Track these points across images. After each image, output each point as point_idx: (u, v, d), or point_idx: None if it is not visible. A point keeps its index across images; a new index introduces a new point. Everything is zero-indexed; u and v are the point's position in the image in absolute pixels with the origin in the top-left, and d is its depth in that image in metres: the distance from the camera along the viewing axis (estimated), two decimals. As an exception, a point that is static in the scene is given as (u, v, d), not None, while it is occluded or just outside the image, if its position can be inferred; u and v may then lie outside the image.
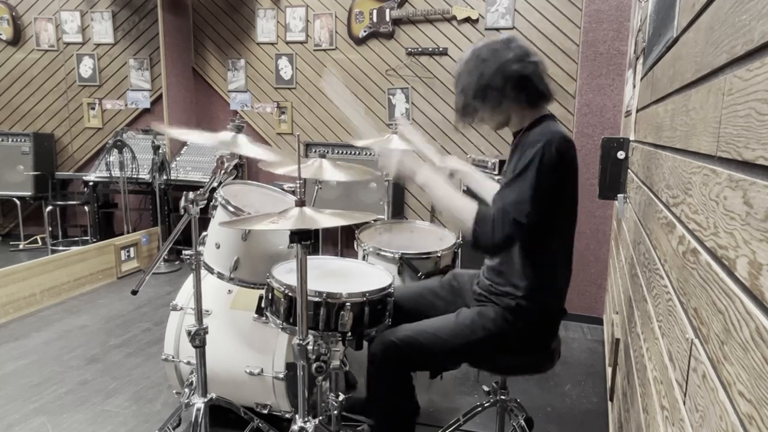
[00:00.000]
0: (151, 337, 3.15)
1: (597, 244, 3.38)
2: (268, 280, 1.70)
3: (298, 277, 1.43)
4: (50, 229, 4.97)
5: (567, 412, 2.44)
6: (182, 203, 1.70)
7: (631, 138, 2.16)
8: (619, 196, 2.13)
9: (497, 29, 4.29)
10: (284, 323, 1.65)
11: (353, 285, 1.68)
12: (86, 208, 4.92)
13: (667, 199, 1.17)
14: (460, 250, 2.28)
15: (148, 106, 5.26)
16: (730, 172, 0.67)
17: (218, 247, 1.95)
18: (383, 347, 1.59)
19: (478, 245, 1.47)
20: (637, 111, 2.14)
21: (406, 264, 2.10)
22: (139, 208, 5.19)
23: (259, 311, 1.90)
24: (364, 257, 2.17)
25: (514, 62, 1.53)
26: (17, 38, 5.41)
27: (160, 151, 4.44)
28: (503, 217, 1.43)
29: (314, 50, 4.84)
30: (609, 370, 2.37)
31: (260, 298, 1.84)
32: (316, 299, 1.58)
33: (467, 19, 4.36)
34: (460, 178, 2.00)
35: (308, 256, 1.48)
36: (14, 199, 5.08)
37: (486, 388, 1.97)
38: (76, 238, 5.20)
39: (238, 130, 1.73)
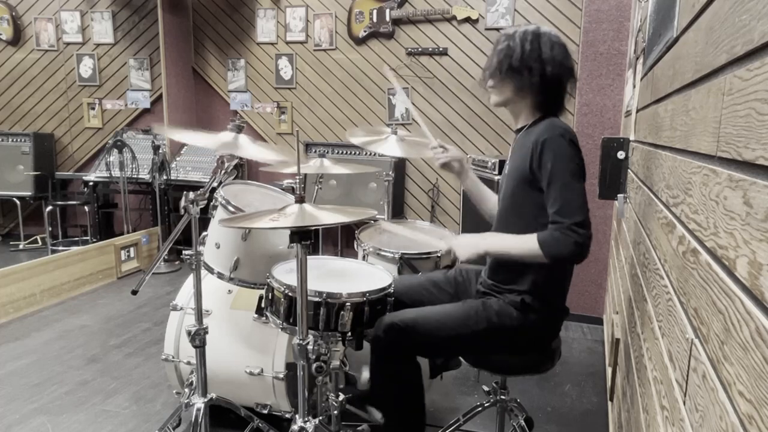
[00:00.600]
0: (151, 337, 3.15)
1: (597, 244, 3.38)
2: (268, 280, 1.70)
3: (298, 277, 1.43)
4: (50, 229, 4.96)
5: (567, 412, 2.44)
6: (182, 203, 1.70)
7: (631, 138, 2.16)
8: (619, 196, 2.13)
9: (497, 29, 4.29)
10: (284, 323, 1.65)
11: (353, 285, 1.68)
12: (86, 208, 4.92)
13: (667, 199, 1.17)
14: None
15: (148, 106, 5.26)
16: (730, 172, 0.67)
17: (218, 247, 1.95)
18: (386, 328, 1.58)
19: (566, 261, 1.49)
20: (637, 111, 2.14)
21: (406, 264, 2.10)
22: (139, 208, 5.19)
23: (259, 311, 1.90)
24: (364, 257, 2.17)
25: (569, 65, 1.59)
26: (17, 38, 5.41)
27: (160, 151, 4.44)
28: (561, 229, 1.44)
29: (314, 50, 4.84)
30: (609, 370, 2.37)
31: (260, 298, 1.84)
32: (316, 299, 1.58)
33: (467, 19, 4.36)
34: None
35: (308, 256, 1.48)
36: (14, 199, 5.08)
37: (486, 388, 1.97)
38: (76, 238, 5.20)
39: (238, 130, 1.73)
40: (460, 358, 1.92)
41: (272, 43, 4.94)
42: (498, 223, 1.72)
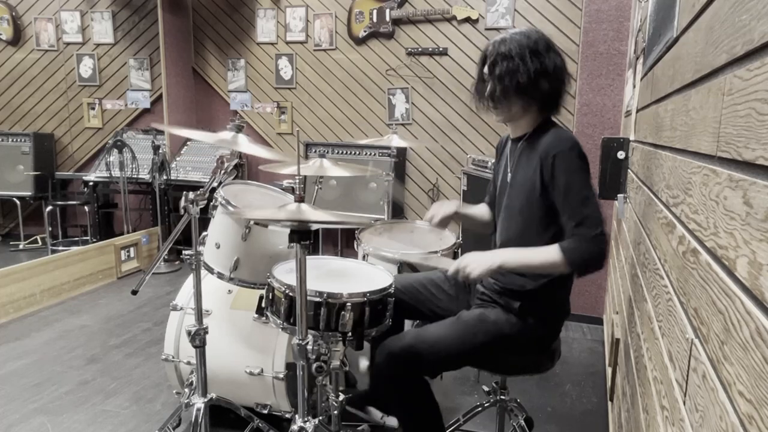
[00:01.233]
0: (151, 337, 3.15)
1: (597, 244, 3.38)
2: (269, 280, 1.70)
3: (298, 277, 1.43)
4: (50, 229, 4.96)
5: (567, 412, 2.44)
6: (182, 203, 1.70)
7: (631, 138, 2.16)
8: (619, 196, 2.13)
9: (497, 29, 4.29)
10: (284, 323, 1.65)
11: (354, 285, 1.68)
12: (86, 208, 4.92)
13: (667, 199, 1.17)
14: (460, 250, 2.28)
15: (148, 106, 5.26)
16: (730, 172, 0.67)
17: (218, 247, 1.95)
18: (387, 360, 1.58)
19: (589, 270, 1.49)
20: (637, 111, 2.14)
21: (406, 264, 2.10)
22: (139, 208, 5.19)
23: (260, 311, 1.90)
24: (364, 257, 2.17)
25: (562, 68, 1.57)
26: (17, 38, 5.41)
27: (160, 151, 4.44)
28: (585, 240, 1.44)
29: (314, 50, 4.83)
30: (609, 370, 2.37)
31: (260, 298, 1.84)
32: (317, 299, 1.58)
33: (467, 19, 4.36)
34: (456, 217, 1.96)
35: (309, 256, 1.48)
36: (14, 199, 5.07)
37: (486, 388, 1.97)
38: (76, 238, 5.20)
39: (238, 130, 1.73)
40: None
41: (272, 43, 4.94)
42: (505, 233, 1.68)
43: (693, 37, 1.01)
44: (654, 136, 1.53)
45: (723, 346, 0.64)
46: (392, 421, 2.05)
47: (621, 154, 2.11)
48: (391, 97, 4.68)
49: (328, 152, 4.45)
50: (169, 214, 4.73)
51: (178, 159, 4.90)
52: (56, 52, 5.36)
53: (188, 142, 5.02)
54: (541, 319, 1.63)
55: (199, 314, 1.78)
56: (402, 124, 4.66)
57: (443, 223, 1.89)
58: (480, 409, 2.00)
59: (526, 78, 1.52)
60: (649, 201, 1.48)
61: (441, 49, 4.46)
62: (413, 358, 1.57)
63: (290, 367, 1.98)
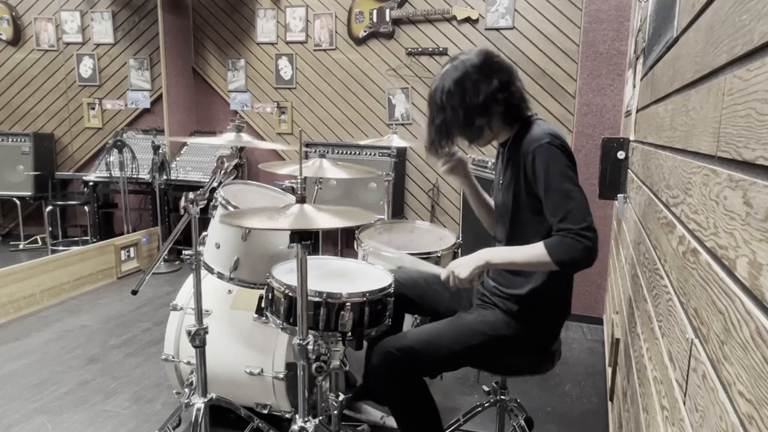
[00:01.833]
0: (151, 337, 3.15)
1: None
2: (269, 280, 1.70)
3: (298, 277, 1.43)
4: (50, 229, 4.96)
5: (567, 412, 2.44)
6: (182, 203, 1.70)
7: (631, 138, 2.16)
8: (619, 196, 2.13)
9: (497, 29, 4.29)
10: (284, 323, 1.65)
11: (353, 285, 1.68)
12: (86, 208, 4.92)
13: (667, 199, 1.17)
14: (460, 250, 2.28)
15: (148, 106, 5.26)
16: (730, 172, 0.67)
17: (218, 247, 1.95)
18: (386, 359, 1.58)
19: (578, 267, 1.47)
20: (637, 111, 2.14)
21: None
22: (139, 208, 5.19)
23: (259, 311, 1.90)
24: (364, 257, 2.17)
25: (510, 70, 1.56)
26: (17, 38, 5.40)
27: (160, 151, 4.44)
28: (570, 235, 1.42)
29: (314, 50, 4.83)
30: (609, 370, 2.37)
31: (260, 298, 1.84)
32: (317, 299, 1.58)
33: (467, 19, 4.36)
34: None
35: (309, 256, 1.48)
36: (14, 199, 5.07)
37: (486, 388, 1.97)
38: (76, 238, 5.20)
39: (238, 130, 1.74)
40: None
41: (272, 43, 4.94)
42: (503, 234, 1.68)
43: (693, 37, 1.01)
44: (654, 136, 1.53)
45: (723, 346, 0.64)
46: (392, 421, 2.05)
47: (621, 154, 2.11)
48: (391, 97, 4.68)
49: (328, 152, 4.45)
50: (169, 214, 4.73)
51: (178, 159, 4.90)
52: (56, 52, 5.36)
53: (188, 142, 5.02)
54: (540, 321, 1.63)
55: (199, 314, 1.78)
56: (402, 124, 4.66)
57: (456, 168, 1.82)
58: (480, 409, 2.00)
59: (479, 107, 1.52)
60: (649, 201, 1.48)
61: (441, 49, 4.46)
62: (412, 358, 1.57)
63: (290, 367, 1.98)
